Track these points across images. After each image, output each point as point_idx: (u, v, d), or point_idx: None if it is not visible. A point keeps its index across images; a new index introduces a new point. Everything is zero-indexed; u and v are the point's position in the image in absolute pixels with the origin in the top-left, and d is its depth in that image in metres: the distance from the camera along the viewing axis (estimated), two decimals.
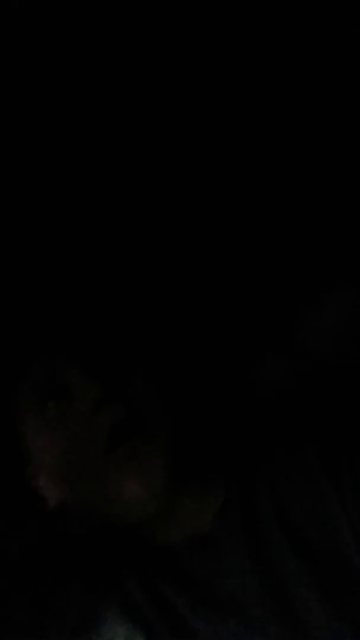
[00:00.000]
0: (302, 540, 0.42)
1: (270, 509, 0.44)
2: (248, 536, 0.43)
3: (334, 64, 0.55)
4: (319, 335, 0.57)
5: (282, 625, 0.39)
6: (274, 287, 0.57)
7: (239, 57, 0.54)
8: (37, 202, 0.56)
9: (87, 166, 0.56)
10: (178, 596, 0.42)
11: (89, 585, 0.43)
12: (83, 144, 0.55)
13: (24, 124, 0.55)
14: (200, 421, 0.49)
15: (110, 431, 0.41)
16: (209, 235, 0.58)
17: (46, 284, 0.55)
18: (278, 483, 0.45)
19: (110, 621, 0.41)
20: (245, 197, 0.58)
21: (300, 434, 0.48)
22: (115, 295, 0.55)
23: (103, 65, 0.53)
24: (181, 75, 0.54)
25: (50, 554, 0.46)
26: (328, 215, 0.58)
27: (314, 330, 0.57)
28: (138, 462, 0.41)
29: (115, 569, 0.44)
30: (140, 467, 0.41)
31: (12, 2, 0.47)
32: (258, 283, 0.58)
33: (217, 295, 0.58)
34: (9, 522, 0.46)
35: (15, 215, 0.56)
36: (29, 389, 0.44)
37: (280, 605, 0.40)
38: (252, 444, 0.49)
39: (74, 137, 0.55)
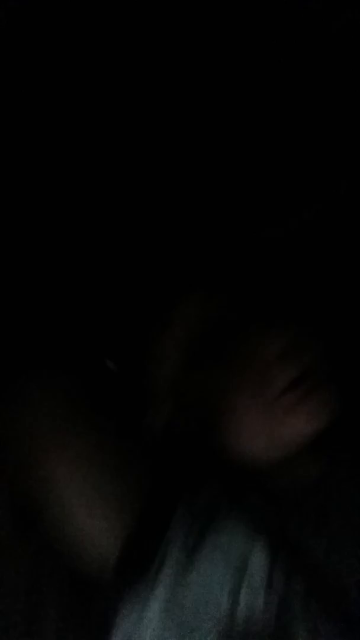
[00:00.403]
0: None
1: None
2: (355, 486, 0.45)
3: (335, 65, 0.57)
4: None
5: None
6: None
7: (239, 57, 0.55)
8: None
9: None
10: (293, 521, 0.42)
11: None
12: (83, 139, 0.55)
13: (24, 124, 0.54)
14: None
15: (286, 385, 0.42)
16: None
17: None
18: None
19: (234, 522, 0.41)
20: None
21: None
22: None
23: (102, 65, 0.52)
24: (181, 75, 0.54)
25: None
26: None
27: None
28: (307, 405, 0.42)
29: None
30: (309, 408, 0.42)
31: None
32: None
33: None
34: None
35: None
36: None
37: None
38: None
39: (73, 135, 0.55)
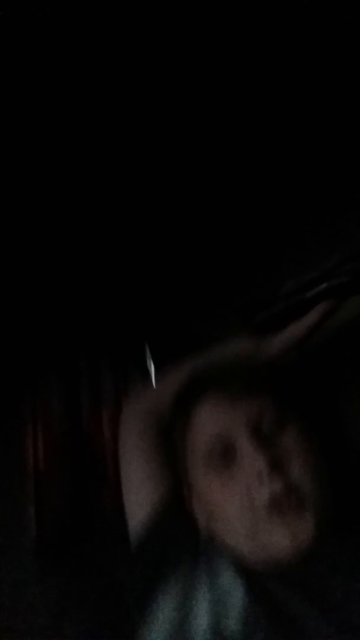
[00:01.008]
0: None
1: None
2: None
3: (333, 65, 0.58)
4: None
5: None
6: None
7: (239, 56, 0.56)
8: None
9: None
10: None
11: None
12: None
13: (25, 124, 0.57)
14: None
15: (267, 503, 0.48)
16: None
17: None
18: None
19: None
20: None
21: None
22: None
23: (104, 65, 0.54)
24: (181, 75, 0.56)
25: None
26: None
27: None
28: (289, 525, 0.47)
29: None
30: (290, 529, 0.47)
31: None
32: None
33: None
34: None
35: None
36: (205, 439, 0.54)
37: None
38: None
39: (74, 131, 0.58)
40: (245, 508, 0.49)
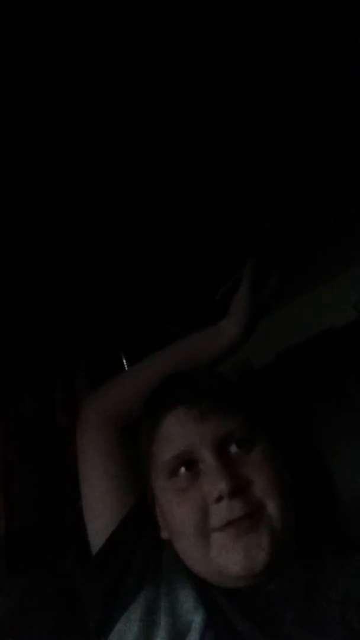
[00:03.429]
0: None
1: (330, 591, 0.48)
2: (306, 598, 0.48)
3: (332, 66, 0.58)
4: None
5: None
6: None
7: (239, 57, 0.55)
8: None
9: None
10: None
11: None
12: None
13: (25, 123, 0.56)
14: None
15: (226, 522, 0.48)
16: None
17: None
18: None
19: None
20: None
21: None
22: None
23: (103, 64, 0.53)
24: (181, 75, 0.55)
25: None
26: None
27: None
28: (242, 541, 0.47)
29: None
30: (243, 543, 0.47)
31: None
32: None
33: None
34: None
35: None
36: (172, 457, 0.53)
37: None
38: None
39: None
40: (201, 528, 0.49)
